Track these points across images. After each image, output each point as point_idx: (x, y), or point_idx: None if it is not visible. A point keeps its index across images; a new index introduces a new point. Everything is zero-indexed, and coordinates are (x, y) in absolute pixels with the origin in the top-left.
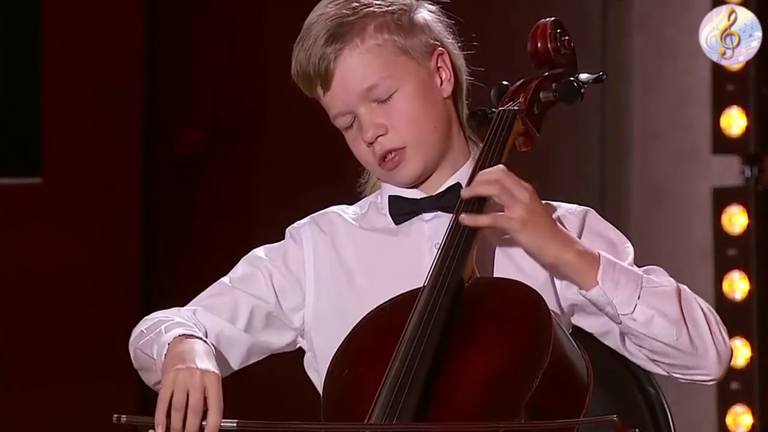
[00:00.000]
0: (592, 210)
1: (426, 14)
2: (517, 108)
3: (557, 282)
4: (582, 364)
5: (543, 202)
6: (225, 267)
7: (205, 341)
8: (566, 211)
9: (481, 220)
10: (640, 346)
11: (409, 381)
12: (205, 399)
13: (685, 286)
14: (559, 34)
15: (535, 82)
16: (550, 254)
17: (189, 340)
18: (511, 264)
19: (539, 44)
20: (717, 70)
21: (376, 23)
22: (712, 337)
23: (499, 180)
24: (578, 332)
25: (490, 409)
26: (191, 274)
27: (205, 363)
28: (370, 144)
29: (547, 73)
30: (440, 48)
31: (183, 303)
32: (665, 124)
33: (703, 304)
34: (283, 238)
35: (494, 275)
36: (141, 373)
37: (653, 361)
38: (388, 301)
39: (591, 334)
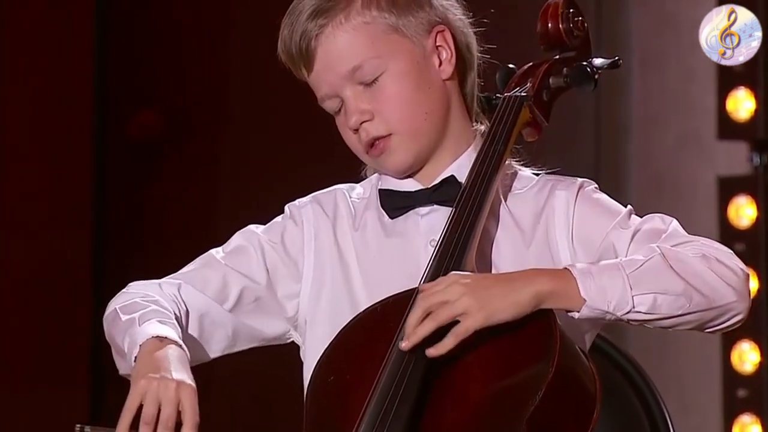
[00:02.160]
0: (590, 181)
1: None
2: (524, 94)
3: None
4: (590, 376)
5: (539, 174)
6: (185, 264)
7: (180, 345)
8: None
9: (446, 345)
10: (662, 328)
11: (400, 392)
12: (179, 413)
13: (672, 225)
14: (572, 14)
15: (544, 66)
16: (526, 303)
17: (163, 343)
18: (516, 263)
19: (550, 24)
20: None
21: None
22: (721, 278)
23: (424, 309)
24: None
25: (488, 424)
26: (147, 271)
27: (181, 373)
28: (356, 131)
29: (557, 57)
30: (440, 25)
31: None
32: (666, 106)
33: (692, 248)
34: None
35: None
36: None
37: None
38: (379, 302)
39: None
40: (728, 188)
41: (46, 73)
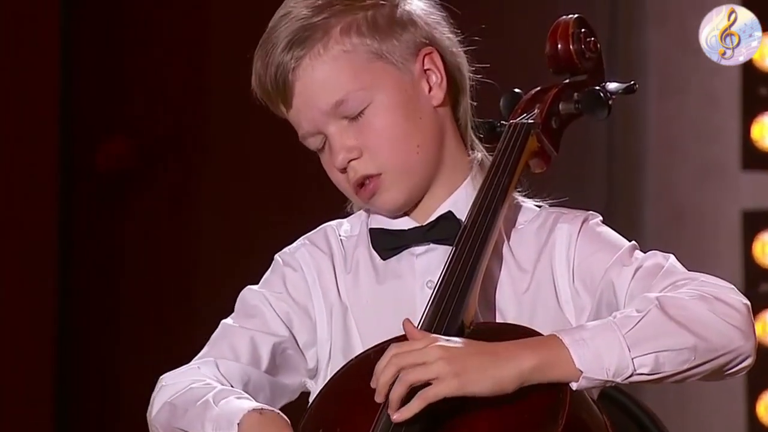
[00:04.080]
0: (595, 213)
1: (413, 6)
2: (531, 121)
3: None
4: (603, 430)
5: (547, 208)
6: (160, 307)
7: (280, 413)
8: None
9: (412, 408)
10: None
11: None
12: None
13: (669, 262)
14: (583, 34)
15: (553, 91)
16: (507, 381)
17: (264, 415)
18: (520, 306)
19: (560, 45)
20: (748, 69)
21: (343, 24)
22: (724, 320)
23: (398, 367)
24: None
25: None
26: (119, 316)
27: None
28: (343, 170)
29: (568, 81)
30: (428, 47)
31: (111, 352)
32: (686, 133)
33: (690, 289)
34: (258, 267)
35: (497, 320)
36: None
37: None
38: (372, 348)
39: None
40: (754, 223)
41: (7, 98)
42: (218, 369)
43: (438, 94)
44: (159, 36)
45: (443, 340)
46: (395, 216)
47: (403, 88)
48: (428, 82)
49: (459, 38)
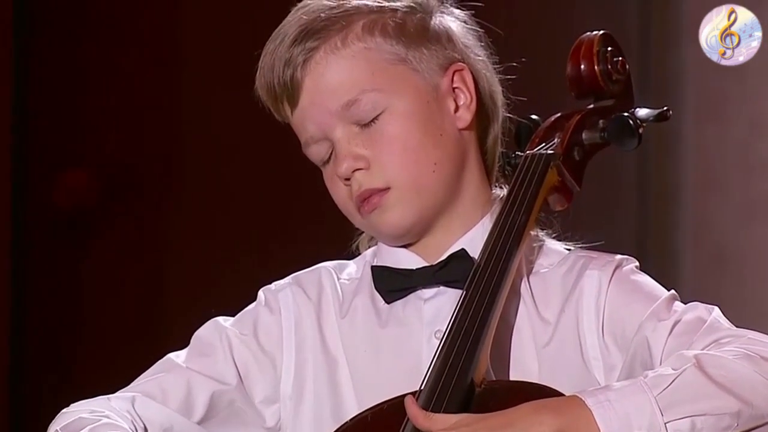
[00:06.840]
0: (630, 258)
1: (449, 21)
2: (551, 152)
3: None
4: None
5: (576, 252)
6: (123, 354)
7: None
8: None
9: None
10: None
11: None
12: None
13: (713, 315)
14: (610, 53)
15: (576, 118)
16: None
17: None
18: (540, 361)
19: (583, 66)
20: None
21: (367, 21)
22: None
23: None
24: None
25: None
26: (78, 365)
27: None
28: (347, 181)
29: (592, 106)
30: (459, 63)
31: (70, 402)
32: (728, 165)
33: (734, 347)
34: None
35: (513, 376)
36: None
37: None
38: (370, 409)
39: None
40: None
41: None
42: (133, 406)
43: (465, 116)
44: (122, 60)
45: (450, 425)
46: (400, 246)
47: (425, 99)
48: (455, 101)
49: (496, 64)
